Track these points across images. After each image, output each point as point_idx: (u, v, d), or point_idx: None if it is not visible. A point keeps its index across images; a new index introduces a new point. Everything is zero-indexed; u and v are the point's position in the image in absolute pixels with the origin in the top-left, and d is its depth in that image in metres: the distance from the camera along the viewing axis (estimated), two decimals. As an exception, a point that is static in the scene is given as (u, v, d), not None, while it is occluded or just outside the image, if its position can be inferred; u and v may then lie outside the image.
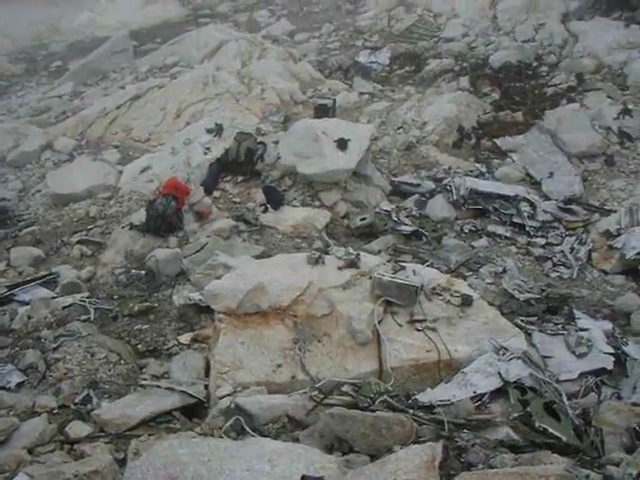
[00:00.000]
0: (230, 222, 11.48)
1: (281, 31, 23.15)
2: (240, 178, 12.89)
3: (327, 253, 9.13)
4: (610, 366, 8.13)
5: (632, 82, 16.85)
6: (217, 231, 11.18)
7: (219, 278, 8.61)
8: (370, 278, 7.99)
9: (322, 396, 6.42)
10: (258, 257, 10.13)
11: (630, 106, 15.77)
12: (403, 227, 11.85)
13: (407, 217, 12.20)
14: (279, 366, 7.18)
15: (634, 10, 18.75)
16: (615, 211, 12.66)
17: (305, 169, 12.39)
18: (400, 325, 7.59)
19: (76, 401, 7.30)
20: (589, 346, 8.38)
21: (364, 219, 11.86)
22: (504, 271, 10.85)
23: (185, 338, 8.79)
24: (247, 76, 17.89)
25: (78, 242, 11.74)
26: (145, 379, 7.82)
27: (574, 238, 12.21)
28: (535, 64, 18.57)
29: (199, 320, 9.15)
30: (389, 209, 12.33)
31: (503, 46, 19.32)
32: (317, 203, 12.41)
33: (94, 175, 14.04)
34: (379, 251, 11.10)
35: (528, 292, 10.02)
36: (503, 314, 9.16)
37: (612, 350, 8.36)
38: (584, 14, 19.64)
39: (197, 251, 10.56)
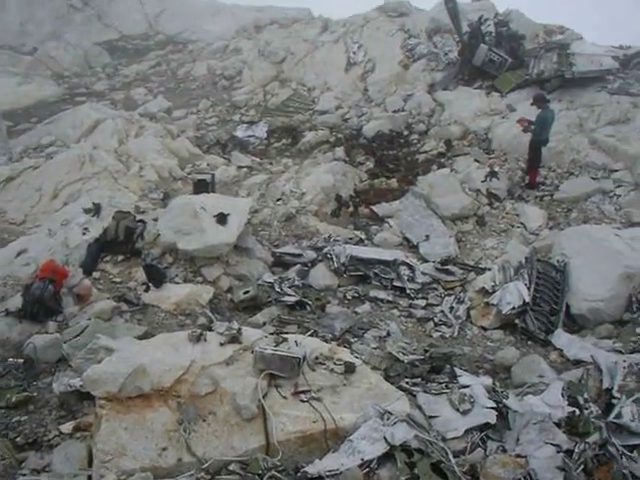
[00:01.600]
0: (111, 303, 11.21)
1: (158, 108, 23.20)
2: (120, 257, 12.70)
3: (211, 329, 9.05)
4: (493, 420, 8.28)
5: (496, 146, 17.92)
6: (98, 313, 10.89)
7: (101, 362, 8.37)
8: (252, 352, 7.98)
9: (209, 477, 6.32)
10: (141, 337, 9.90)
11: (496, 169, 16.74)
12: (287, 298, 11.93)
13: (290, 287, 12.28)
14: (164, 449, 6.99)
15: (493, 79, 19.96)
16: (489, 269, 13.21)
17: (186, 245, 12.35)
18: (285, 397, 7.56)
19: (-51, 506, 6.89)
20: (472, 402, 8.52)
21: (247, 292, 11.86)
22: (388, 335, 11.05)
23: (67, 427, 8.45)
24: (125, 154, 17.79)
25: (-50, 333, 11.18)
26: (24, 474, 7.47)
27: (453, 297, 12.62)
28: (406, 132, 19.48)
29: (81, 407, 8.85)
30: (272, 280, 12.39)
31: (375, 117, 20.21)
32: (199, 279, 12.34)
33: (-34, 261, 13.50)
34: (264, 323, 11.11)
35: (412, 354, 10.21)
36: (389, 377, 9.33)
37: (494, 404, 8.54)
38: (448, 84, 20.74)
39: (77, 335, 10.20)
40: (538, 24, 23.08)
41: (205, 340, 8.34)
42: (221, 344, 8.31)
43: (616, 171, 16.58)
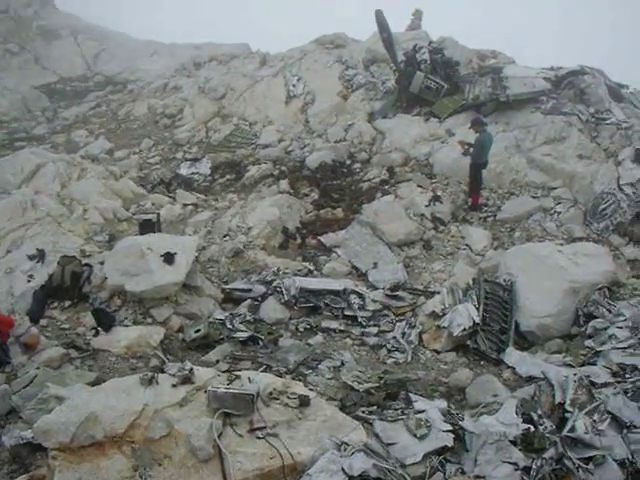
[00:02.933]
0: (60, 350, 11.02)
1: (100, 149, 22.90)
2: (67, 303, 12.50)
3: (163, 371, 8.96)
4: (450, 443, 8.34)
5: (438, 170, 18.25)
6: (47, 361, 10.69)
7: (52, 412, 8.21)
8: (206, 392, 7.92)
9: (168, 522, 6.23)
10: (93, 383, 9.75)
11: (439, 193, 17.04)
12: (239, 334, 11.88)
13: (242, 323, 12.24)
14: (121, 498, 6.90)
15: (430, 106, 20.35)
16: (438, 292, 13.32)
17: (134, 287, 12.23)
18: (241, 436, 7.52)
19: None
20: (428, 427, 8.57)
21: (198, 330, 11.77)
22: (342, 364, 11.06)
23: (19, 482, 8.26)
24: (68, 197, 17.49)
25: None
26: (-23, 533, 7.27)
27: (404, 323, 12.71)
28: (349, 162, 19.67)
29: (34, 459, 8.65)
30: (223, 317, 12.34)
31: (317, 148, 20.37)
32: (149, 320, 12.21)
33: None
34: (217, 361, 11.03)
35: (367, 382, 10.23)
36: (345, 407, 9.37)
37: (450, 427, 8.60)
38: (387, 112, 21.05)
39: (27, 385, 9.99)
40: (471, 50, 23.68)
41: (157, 382, 8.26)
42: (173, 385, 8.24)
43: (555, 189, 17.08)
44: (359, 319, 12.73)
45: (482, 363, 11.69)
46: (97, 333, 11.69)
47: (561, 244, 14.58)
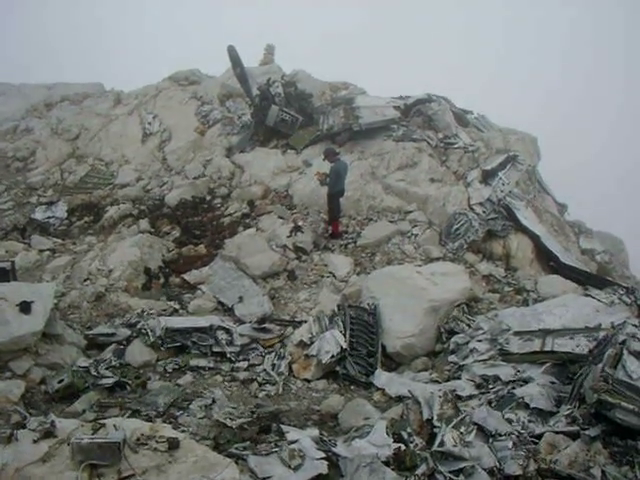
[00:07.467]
0: None
1: (-55, 198, 21.85)
2: None
3: (24, 427, 8.54)
4: (325, 470, 8.39)
5: (298, 201, 18.51)
6: None
7: None
8: (69, 444, 7.61)
9: None
10: (-53, 448, 9.16)
11: (300, 223, 17.24)
12: (104, 380, 11.47)
13: (107, 369, 11.86)
14: None
15: (287, 138, 20.67)
16: (305, 321, 13.48)
17: (-12, 340, 11.64)
18: (108, 486, 7.29)
19: None
20: (302, 456, 8.59)
21: (62, 381, 11.29)
22: (213, 402, 10.90)
23: None
24: None
25: None
26: None
27: (273, 355, 12.72)
28: (209, 197, 19.63)
29: None
30: (87, 364, 11.90)
31: (176, 185, 20.20)
32: (8, 374, 11.57)
33: None
34: (83, 411, 10.59)
35: (240, 417, 10.16)
36: (219, 445, 9.23)
37: (323, 454, 8.65)
38: (245, 146, 21.19)
39: None
40: (324, 82, 24.32)
41: (17, 439, 7.86)
42: (35, 441, 7.85)
43: (410, 212, 17.68)
44: (228, 355, 12.64)
45: (352, 388, 11.87)
46: (-50, 393, 11.03)
47: (419, 265, 15.11)
